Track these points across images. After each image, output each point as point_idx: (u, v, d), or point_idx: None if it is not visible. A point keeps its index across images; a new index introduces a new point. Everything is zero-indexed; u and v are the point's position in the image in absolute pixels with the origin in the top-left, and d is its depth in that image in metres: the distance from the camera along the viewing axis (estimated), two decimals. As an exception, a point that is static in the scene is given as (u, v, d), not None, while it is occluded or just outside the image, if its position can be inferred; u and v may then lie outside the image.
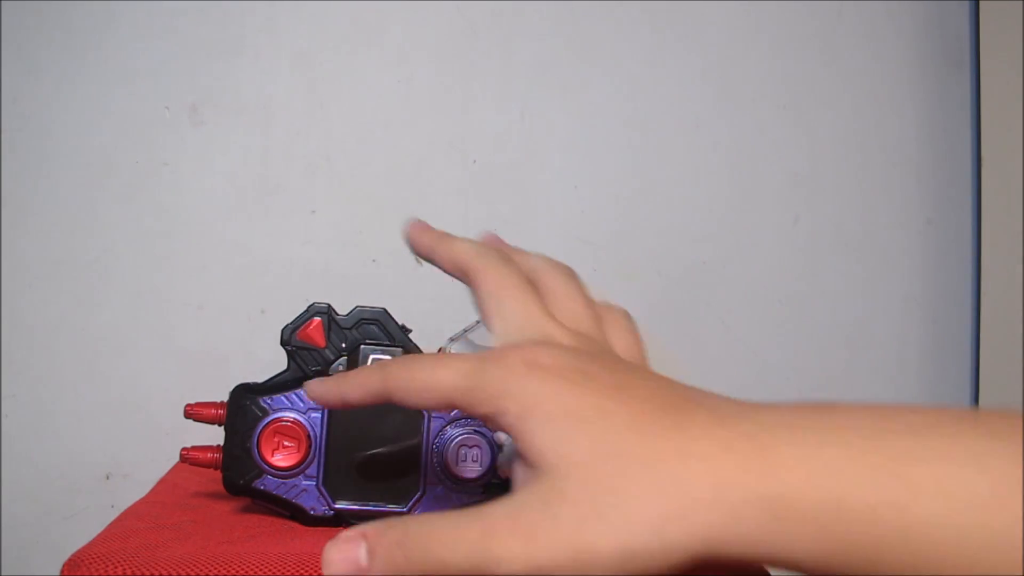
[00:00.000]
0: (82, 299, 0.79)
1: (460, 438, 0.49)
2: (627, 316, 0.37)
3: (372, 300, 0.52)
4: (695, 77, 0.92)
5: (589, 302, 0.36)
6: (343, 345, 0.50)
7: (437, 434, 0.49)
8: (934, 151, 0.96)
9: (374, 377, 0.33)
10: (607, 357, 0.32)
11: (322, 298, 0.52)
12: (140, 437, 0.79)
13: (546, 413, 0.28)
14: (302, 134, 0.84)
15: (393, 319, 0.51)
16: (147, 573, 0.39)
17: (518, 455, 0.30)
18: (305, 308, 0.51)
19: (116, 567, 0.39)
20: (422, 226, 0.41)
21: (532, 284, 0.35)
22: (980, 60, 0.94)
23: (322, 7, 0.84)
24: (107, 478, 0.79)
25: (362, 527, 0.30)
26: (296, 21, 0.84)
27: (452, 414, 0.49)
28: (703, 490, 0.26)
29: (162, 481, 0.59)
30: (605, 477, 0.27)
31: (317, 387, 0.36)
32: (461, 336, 0.51)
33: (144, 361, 0.80)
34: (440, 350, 0.51)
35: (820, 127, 0.94)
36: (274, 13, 0.83)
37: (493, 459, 0.49)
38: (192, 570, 0.39)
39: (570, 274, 0.37)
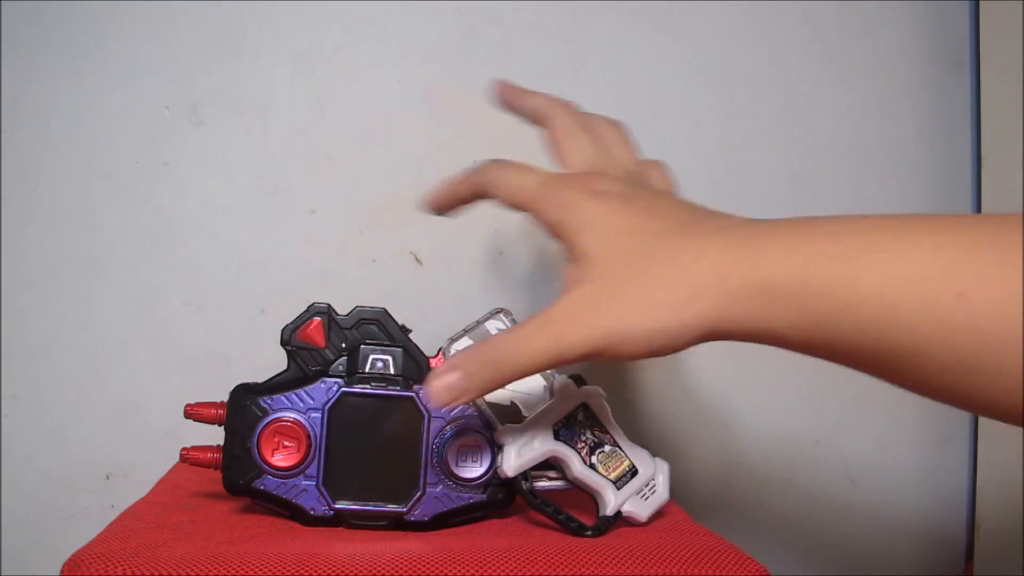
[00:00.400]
0: (82, 299, 0.79)
1: (460, 438, 0.49)
2: (663, 165, 0.50)
3: (372, 300, 0.52)
4: (694, 77, 0.92)
5: (634, 150, 0.49)
6: (343, 345, 0.50)
7: (437, 434, 0.49)
8: (934, 151, 0.96)
9: (477, 173, 0.45)
10: (644, 187, 0.43)
11: (322, 298, 0.52)
12: (140, 437, 0.79)
13: (596, 227, 0.38)
14: (302, 134, 0.84)
15: (393, 319, 0.51)
16: (147, 573, 0.39)
17: (568, 257, 0.39)
18: (305, 308, 0.51)
19: (116, 567, 0.39)
20: (508, 84, 0.56)
21: (593, 133, 0.47)
22: (980, 60, 0.94)
23: (322, 7, 0.84)
24: (107, 478, 0.79)
25: (452, 358, 0.40)
26: (296, 21, 0.84)
27: (452, 414, 0.49)
28: (709, 280, 0.34)
29: (162, 481, 0.59)
30: (637, 274, 0.35)
31: (430, 193, 0.50)
32: (461, 336, 0.51)
33: (144, 361, 0.80)
34: (440, 351, 0.51)
35: (820, 127, 0.94)
36: (274, 13, 0.83)
37: (493, 459, 0.49)
38: (192, 570, 0.39)
39: (623, 129, 0.50)
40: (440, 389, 0.39)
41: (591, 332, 0.36)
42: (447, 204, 0.49)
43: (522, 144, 0.91)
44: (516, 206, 0.42)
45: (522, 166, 0.43)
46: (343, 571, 0.40)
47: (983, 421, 0.93)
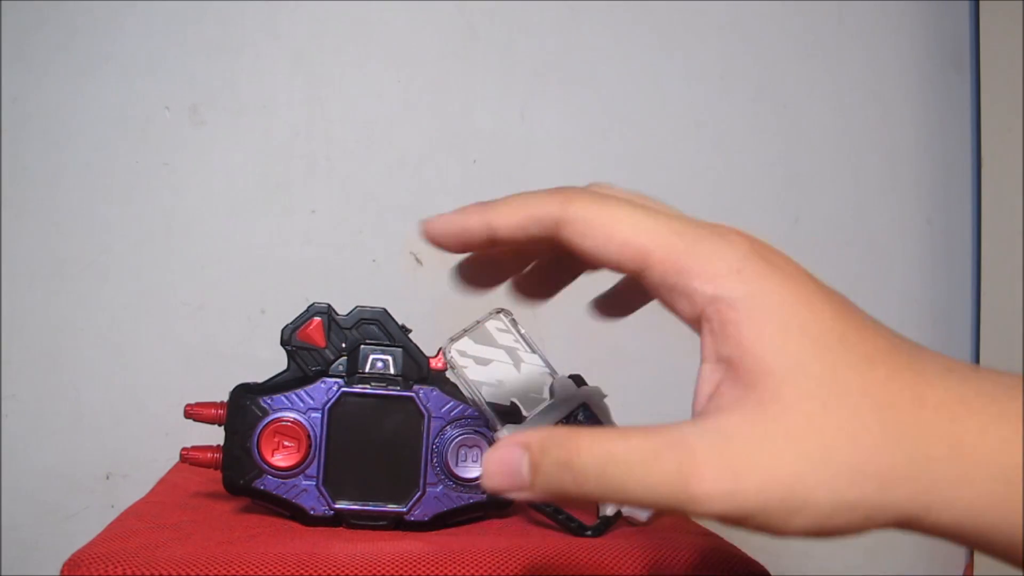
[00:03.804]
0: (82, 299, 0.79)
1: (460, 438, 0.49)
2: None
3: (372, 300, 0.52)
4: (695, 77, 0.92)
5: None
6: (343, 345, 0.50)
7: (437, 434, 0.49)
8: (934, 151, 0.96)
9: (546, 202, 0.27)
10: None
11: (322, 298, 0.52)
12: (140, 437, 0.79)
13: (783, 322, 0.24)
14: (302, 134, 0.84)
15: (393, 319, 0.51)
16: (147, 573, 0.39)
17: (721, 354, 0.25)
18: (305, 308, 0.51)
19: (116, 567, 0.39)
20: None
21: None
22: (980, 60, 0.94)
23: (322, 7, 0.84)
24: (107, 478, 0.79)
25: (525, 433, 0.25)
26: (296, 21, 0.84)
27: (452, 414, 0.49)
28: (938, 447, 0.23)
29: (162, 481, 0.59)
30: (836, 417, 0.23)
31: (436, 222, 0.28)
32: (461, 336, 0.51)
33: (144, 361, 0.80)
34: (440, 351, 0.51)
35: (820, 127, 0.94)
36: (274, 13, 0.83)
37: (493, 459, 0.49)
38: (192, 570, 0.39)
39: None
40: (496, 471, 0.25)
41: (746, 487, 0.23)
42: (455, 242, 0.29)
43: (524, 144, 0.91)
44: (619, 268, 0.26)
45: (623, 198, 0.27)
46: (343, 571, 0.40)
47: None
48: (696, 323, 0.26)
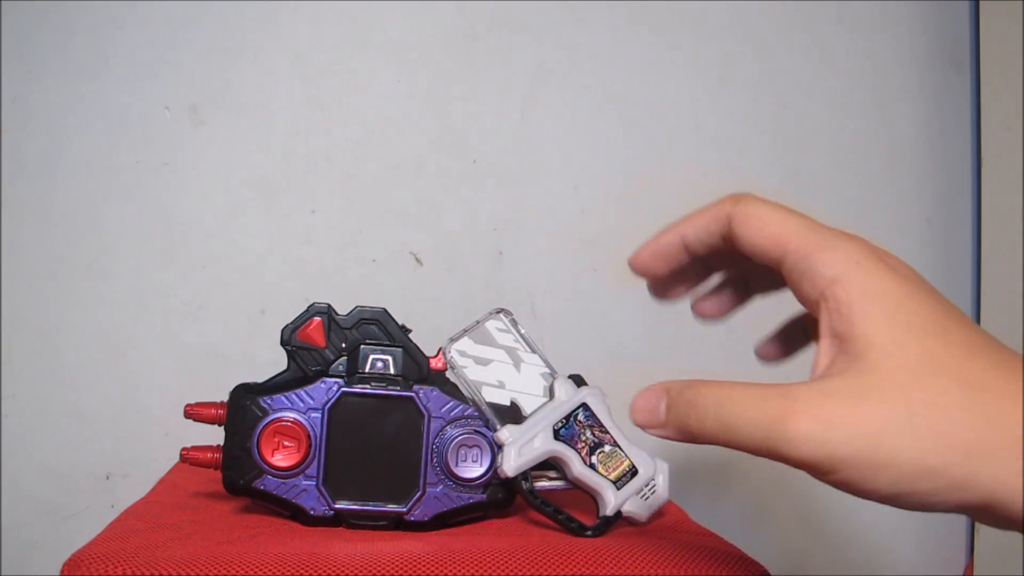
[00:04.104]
0: (82, 299, 0.79)
1: (460, 438, 0.49)
2: None
3: (372, 300, 0.52)
4: (695, 77, 0.92)
5: None
6: (343, 345, 0.50)
7: (437, 434, 0.49)
8: (934, 151, 0.96)
9: (721, 204, 0.35)
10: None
11: (322, 298, 0.52)
12: (140, 437, 0.79)
13: (892, 307, 0.28)
14: (302, 134, 0.84)
15: (393, 319, 0.51)
16: (147, 573, 0.39)
17: (833, 331, 0.29)
18: (305, 308, 0.51)
19: (116, 567, 0.39)
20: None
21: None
22: (980, 60, 0.94)
23: (322, 7, 0.84)
24: (107, 478, 0.79)
25: (668, 381, 0.32)
26: (296, 21, 0.84)
27: (452, 414, 0.49)
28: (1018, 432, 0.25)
29: (162, 481, 0.59)
30: (927, 391, 0.26)
31: (640, 253, 0.38)
32: (461, 336, 0.51)
33: (144, 361, 0.80)
34: (440, 351, 0.51)
35: (820, 127, 0.94)
36: (274, 13, 0.83)
37: (493, 459, 0.49)
38: (192, 570, 0.39)
39: None
40: (642, 409, 0.33)
41: (834, 436, 0.26)
42: (660, 262, 0.38)
43: (524, 144, 0.91)
44: (766, 252, 0.32)
45: (781, 205, 0.34)
46: (343, 571, 0.40)
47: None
48: (816, 305, 0.30)
